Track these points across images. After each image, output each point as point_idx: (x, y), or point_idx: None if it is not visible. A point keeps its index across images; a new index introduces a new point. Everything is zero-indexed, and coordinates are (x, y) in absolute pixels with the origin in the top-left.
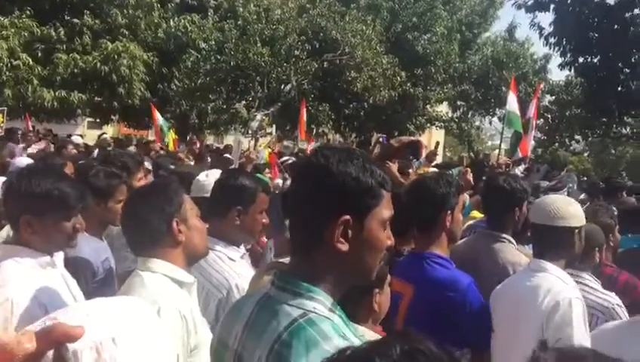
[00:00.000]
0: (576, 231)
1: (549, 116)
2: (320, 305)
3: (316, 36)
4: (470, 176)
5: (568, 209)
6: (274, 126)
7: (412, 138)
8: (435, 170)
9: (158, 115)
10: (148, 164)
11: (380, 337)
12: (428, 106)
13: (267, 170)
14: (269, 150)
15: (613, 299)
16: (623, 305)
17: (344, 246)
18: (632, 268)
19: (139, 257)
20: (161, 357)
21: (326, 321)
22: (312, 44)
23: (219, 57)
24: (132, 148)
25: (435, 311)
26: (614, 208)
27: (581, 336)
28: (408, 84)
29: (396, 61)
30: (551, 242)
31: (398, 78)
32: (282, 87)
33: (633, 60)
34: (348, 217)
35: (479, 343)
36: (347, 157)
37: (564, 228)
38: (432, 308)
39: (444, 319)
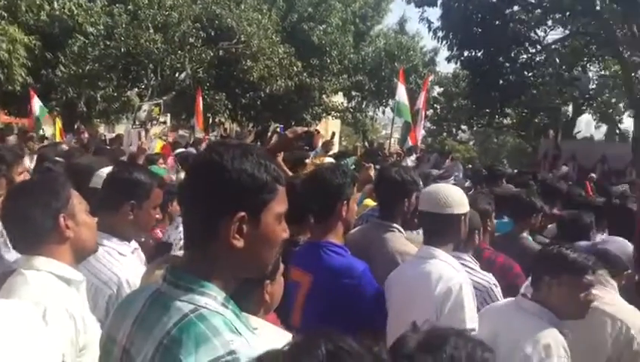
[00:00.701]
0: (463, 217)
1: (438, 107)
2: (212, 300)
3: (211, 24)
4: (372, 172)
5: (454, 197)
6: (168, 115)
7: (306, 129)
8: (331, 159)
9: (35, 102)
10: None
11: (304, 337)
12: (324, 96)
13: (161, 161)
14: (162, 140)
15: (490, 280)
16: (498, 285)
17: (239, 243)
18: (505, 249)
19: (22, 255)
20: (40, 360)
21: (217, 316)
22: (207, 32)
23: (108, 43)
24: (12, 138)
25: (333, 298)
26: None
27: (471, 319)
28: (304, 74)
29: (292, 51)
30: (440, 229)
31: (295, 67)
32: (177, 75)
33: (513, 55)
34: (243, 214)
35: (375, 327)
36: (242, 154)
37: (452, 215)
38: (329, 295)
39: (342, 305)
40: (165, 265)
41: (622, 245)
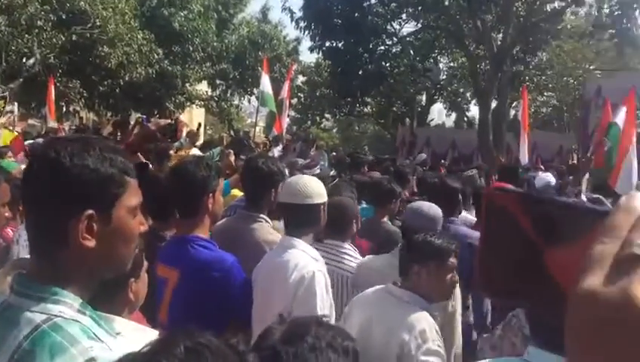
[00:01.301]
0: (322, 206)
1: (302, 95)
2: (67, 307)
3: (62, 6)
4: (232, 158)
5: (313, 187)
6: (15, 104)
7: (170, 121)
8: (197, 150)
9: None
10: None
11: (162, 337)
12: (187, 85)
13: (10, 154)
14: (9, 130)
15: None
16: None
17: (91, 243)
18: (370, 235)
19: None
20: None
21: (73, 324)
22: (57, 15)
23: None
24: None
25: (201, 293)
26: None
27: (323, 306)
28: (166, 62)
29: (152, 37)
30: (300, 219)
31: (155, 55)
32: (24, 60)
33: (371, 46)
34: (91, 211)
35: (242, 318)
36: (82, 149)
37: (311, 205)
38: (197, 290)
39: (211, 299)
40: (15, 272)
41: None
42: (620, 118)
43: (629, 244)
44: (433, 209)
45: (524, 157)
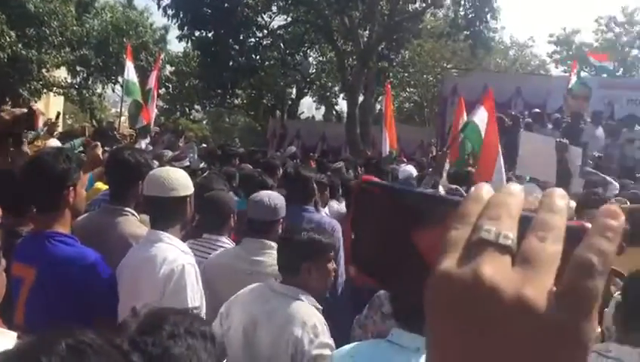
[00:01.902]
0: (188, 199)
1: (170, 86)
2: None
3: None
4: (99, 150)
5: (179, 180)
6: None
7: (25, 110)
8: (56, 141)
9: None
10: None
11: (41, 334)
12: (44, 71)
13: None
14: None
15: None
16: None
17: None
18: (240, 228)
19: None
20: None
21: None
22: None
23: None
24: None
25: (61, 291)
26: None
27: (194, 298)
28: (19, 45)
29: (3, 19)
30: (166, 212)
31: (7, 37)
32: None
33: (242, 38)
34: None
35: (107, 315)
36: None
37: (177, 198)
38: (56, 288)
39: (71, 298)
40: None
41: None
42: (479, 117)
43: (477, 229)
44: (273, 199)
45: (385, 151)
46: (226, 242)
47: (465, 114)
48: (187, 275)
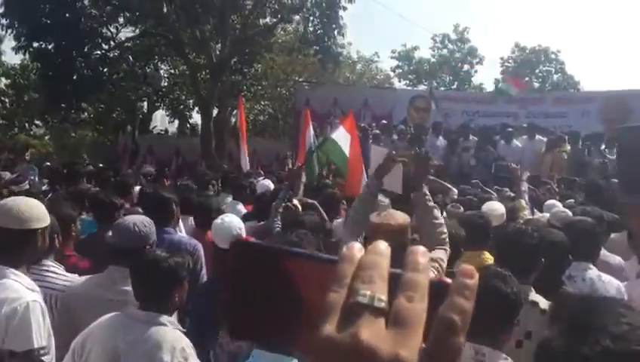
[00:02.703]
0: (41, 231)
1: (7, 100)
2: None
3: None
4: None
5: (32, 211)
6: None
7: None
8: None
9: None
10: None
11: None
12: None
13: None
14: None
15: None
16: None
17: None
18: (93, 252)
19: None
20: None
21: None
22: None
23: None
24: None
25: None
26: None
27: (40, 337)
28: None
29: None
30: (16, 246)
31: None
32: None
33: (87, 50)
34: None
35: None
36: None
37: (30, 230)
38: None
39: None
40: None
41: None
42: (338, 135)
43: (353, 293)
44: (140, 225)
45: (246, 164)
46: (52, 265)
47: (311, 126)
48: (32, 313)
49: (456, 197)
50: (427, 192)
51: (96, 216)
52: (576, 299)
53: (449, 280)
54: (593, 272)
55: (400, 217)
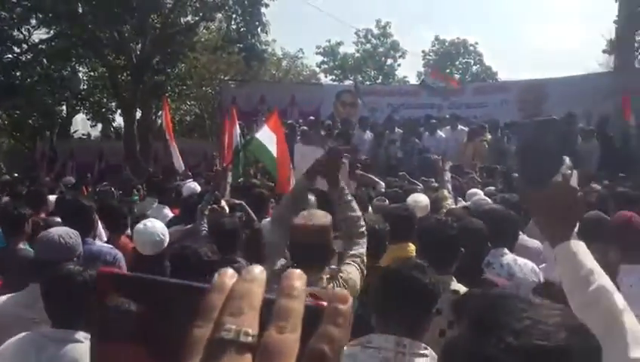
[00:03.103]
0: None
1: None
2: None
3: None
4: None
5: None
6: None
7: None
8: None
9: None
10: None
11: None
12: None
13: None
14: None
15: None
16: None
17: None
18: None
19: None
20: None
21: None
22: None
23: None
24: None
25: None
26: None
27: None
28: None
29: None
30: None
31: None
32: None
33: None
34: None
35: None
36: None
37: None
38: None
39: None
40: None
41: None
42: (263, 134)
43: (218, 327)
44: (66, 237)
45: (180, 165)
46: None
47: (237, 125)
48: None
49: (384, 190)
50: (344, 187)
51: (3, 229)
52: (478, 297)
53: (325, 304)
54: (509, 257)
55: (321, 217)
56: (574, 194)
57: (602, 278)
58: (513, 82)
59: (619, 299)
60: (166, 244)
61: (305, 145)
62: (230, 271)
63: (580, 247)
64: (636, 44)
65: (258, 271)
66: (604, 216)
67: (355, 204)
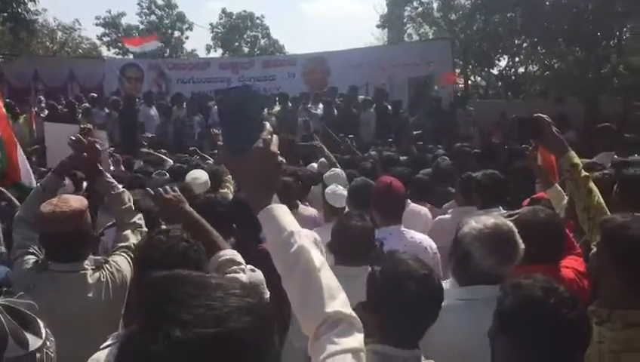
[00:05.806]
0: None
1: None
2: None
3: None
4: None
5: None
6: None
7: None
8: None
9: None
10: None
11: None
12: None
13: None
14: None
15: None
16: None
17: None
18: None
19: None
20: None
21: None
22: None
23: None
24: None
25: None
26: None
27: None
28: None
29: None
30: None
31: None
32: None
33: None
34: None
35: None
36: None
37: None
38: None
39: None
40: None
41: None
42: None
43: None
44: None
45: None
46: None
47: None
48: None
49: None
50: (110, 177)
51: None
52: (149, 284)
53: None
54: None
55: (75, 202)
56: (274, 159)
57: (302, 239)
58: (298, 55)
59: (317, 257)
60: None
61: (54, 123)
62: None
63: (280, 211)
64: (404, 20)
65: None
66: (371, 182)
67: (125, 195)
